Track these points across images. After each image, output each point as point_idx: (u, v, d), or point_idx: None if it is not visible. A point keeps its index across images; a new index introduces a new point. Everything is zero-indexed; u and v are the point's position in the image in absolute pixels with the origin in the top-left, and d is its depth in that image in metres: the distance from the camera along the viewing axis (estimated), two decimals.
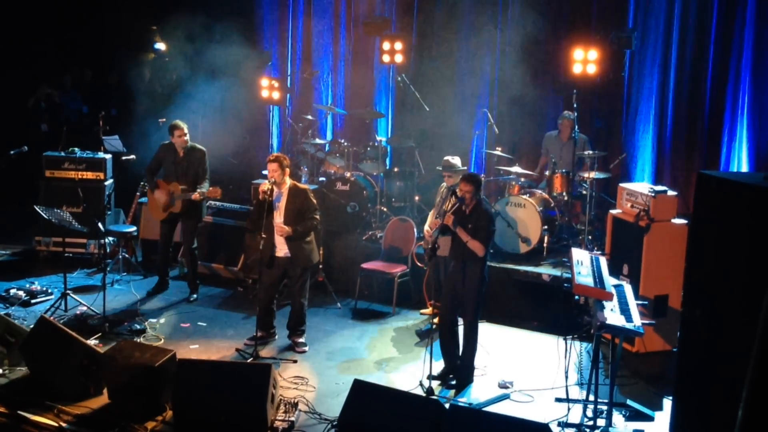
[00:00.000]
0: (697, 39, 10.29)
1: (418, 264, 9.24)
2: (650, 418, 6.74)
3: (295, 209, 7.91)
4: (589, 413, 6.57)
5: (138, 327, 8.38)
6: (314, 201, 8.08)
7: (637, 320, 6.23)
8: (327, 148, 11.37)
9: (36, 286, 9.28)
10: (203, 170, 9.16)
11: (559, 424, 6.50)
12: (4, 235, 11.14)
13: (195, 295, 9.44)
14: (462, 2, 11.65)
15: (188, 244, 9.42)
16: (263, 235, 7.79)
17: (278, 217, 7.93)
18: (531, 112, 11.31)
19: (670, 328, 7.72)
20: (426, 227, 8.41)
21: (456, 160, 8.48)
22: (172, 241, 9.58)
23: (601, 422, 6.46)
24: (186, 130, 9.11)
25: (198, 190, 8.88)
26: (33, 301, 8.99)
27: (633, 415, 6.75)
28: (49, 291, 9.23)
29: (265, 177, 9.53)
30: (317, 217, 8.05)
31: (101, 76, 14.39)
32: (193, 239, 9.42)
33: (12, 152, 9.24)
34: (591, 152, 9.84)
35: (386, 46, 11.48)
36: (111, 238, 10.20)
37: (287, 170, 7.96)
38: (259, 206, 7.92)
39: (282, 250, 7.97)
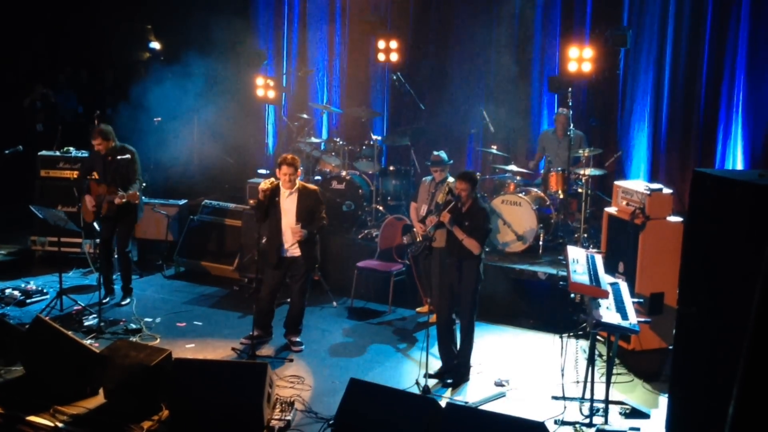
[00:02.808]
0: (691, 37, 10.31)
1: (399, 260, 9.23)
2: (646, 416, 6.75)
3: (307, 210, 7.87)
4: (585, 411, 6.58)
5: (133, 326, 8.37)
6: (323, 201, 8.08)
7: (633, 318, 6.25)
8: (322, 147, 11.36)
9: (31, 286, 9.29)
10: (133, 172, 8.82)
11: (555, 422, 6.51)
12: None
13: (128, 299, 9.16)
14: (457, 1, 11.65)
15: (121, 247, 9.12)
16: (265, 236, 7.79)
17: (289, 219, 7.90)
18: (526, 110, 11.33)
19: (666, 326, 7.71)
20: (416, 223, 8.43)
21: (443, 155, 8.55)
22: (113, 242, 9.24)
23: (597, 420, 6.47)
24: (102, 139, 8.73)
25: (119, 194, 8.55)
26: (28, 300, 8.99)
27: (629, 413, 6.75)
28: (45, 291, 9.23)
29: (261, 176, 9.53)
30: (325, 215, 8.05)
31: (96, 75, 14.37)
32: (126, 243, 9.13)
33: (7, 152, 9.22)
34: (586, 150, 9.85)
35: (381, 44, 11.48)
36: None
37: (299, 172, 7.95)
38: (260, 206, 7.91)
39: (290, 250, 7.96)
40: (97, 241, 9.43)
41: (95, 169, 8.96)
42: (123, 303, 9.13)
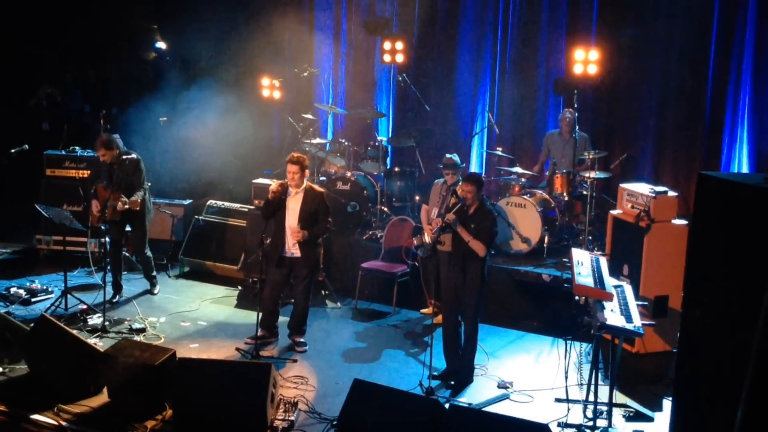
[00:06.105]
0: (698, 39, 10.28)
1: (408, 261, 9.24)
2: (650, 419, 6.75)
3: (311, 212, 7.89)
4: (589, 414, 6.57)
5: (138, 326, 8.39)
6: (328, 204, 8.08)
7: (637, 321, 6.24)
8: (327, 148, 11.36)
9: (36, 285, 9.30)
10: (138, 180, 8.91)
11: (558, 425, 6.50)
12: (4, 234, 11.15)
13: (157, 288, 9.55)
14: (463, 1, 11.65)
15: (139, 251, 9.38)
16: (267, 236, 7.78)
17: (291, 219, 7.92)
18: (532, 112, 11.31)
19: (670, 329, 7.71)
20: (426, 225, 8.42)
21: (456, 158, 8.52)
22: (122, 243, 9.44)
23: (601, 423, 6.47)
24: (105, 149, 8.81)
25: (122, 200, 8.68)
26: (33, 299, 9.00)
27: (633, 416, 6.76)
28: (50, 289, 9.24)
29: (266, 177, 9.53)
30: (330, 220, 8.05)
31: (102, 74, 14.40)
32: (142, 247, 9.30)
33: (13, 151, 9.23)
34: (592, 152, 9.84)
35: (387, 45, 11.46)
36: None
37: (306, 172, 7.95)
38: (268, 206, 7.91)
39: (290, 250, 7.96)
40: (102, 240, 9.45)
41: (104, 175, 9.04)
42: (155, 292, 9.47)
